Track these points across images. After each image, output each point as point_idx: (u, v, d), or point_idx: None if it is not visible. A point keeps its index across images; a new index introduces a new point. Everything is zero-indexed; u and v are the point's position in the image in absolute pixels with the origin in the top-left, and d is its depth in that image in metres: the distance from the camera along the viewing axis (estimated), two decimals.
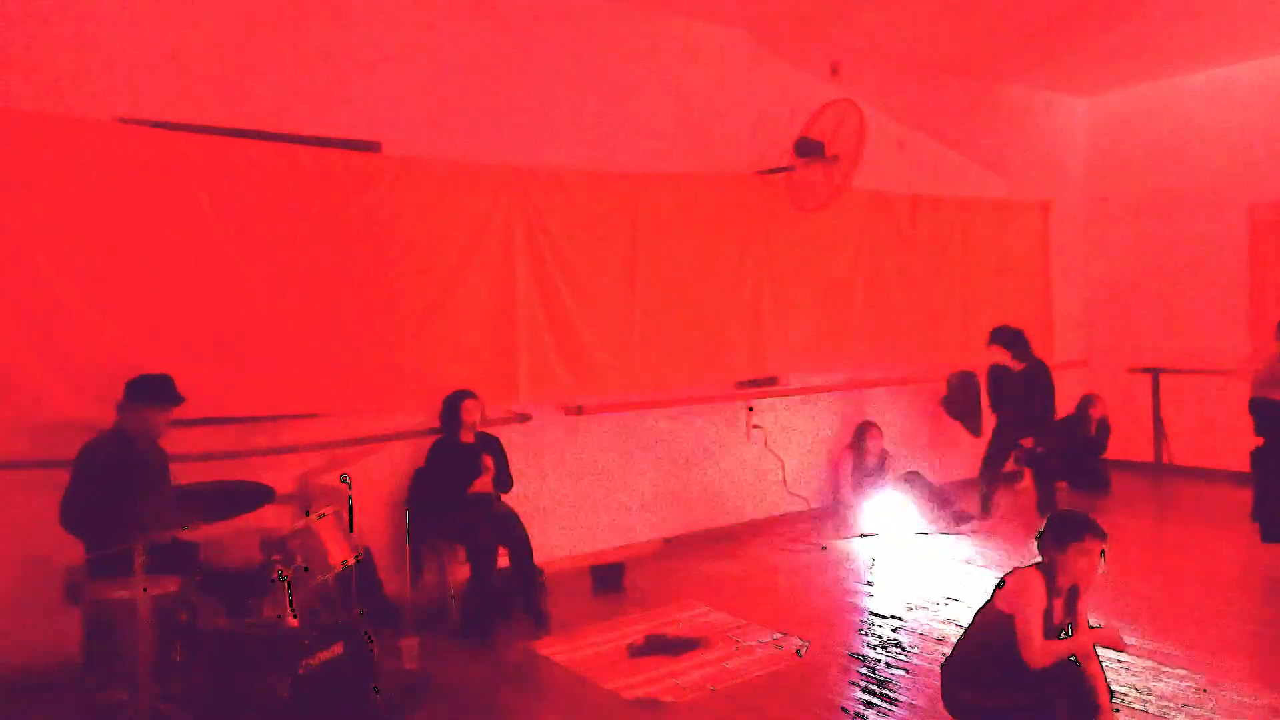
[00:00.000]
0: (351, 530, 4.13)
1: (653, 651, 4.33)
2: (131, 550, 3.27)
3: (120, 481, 3.70)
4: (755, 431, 6.71)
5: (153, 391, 3.89)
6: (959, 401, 7.68)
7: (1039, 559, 3.34)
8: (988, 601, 3.41)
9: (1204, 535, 6.36)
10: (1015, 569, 3.41)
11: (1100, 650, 3.38)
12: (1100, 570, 3.28)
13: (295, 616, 3.59)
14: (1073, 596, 3.31)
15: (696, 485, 6.47)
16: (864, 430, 7.00)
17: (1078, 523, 3.31)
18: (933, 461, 7.63)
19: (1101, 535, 3.27)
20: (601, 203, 5.81)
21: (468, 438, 5.09)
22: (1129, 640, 3.42)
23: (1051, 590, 3.25)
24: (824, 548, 6.25)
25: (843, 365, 7.17)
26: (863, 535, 6.51)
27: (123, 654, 3.46)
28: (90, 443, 3.82)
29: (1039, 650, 3.16)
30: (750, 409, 6.64)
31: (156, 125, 4.46)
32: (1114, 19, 6.69)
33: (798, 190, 6.48)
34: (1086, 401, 8.00)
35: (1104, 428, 8.00)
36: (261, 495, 4.14)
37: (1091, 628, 3.37)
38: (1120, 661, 4.00)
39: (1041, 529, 3.35)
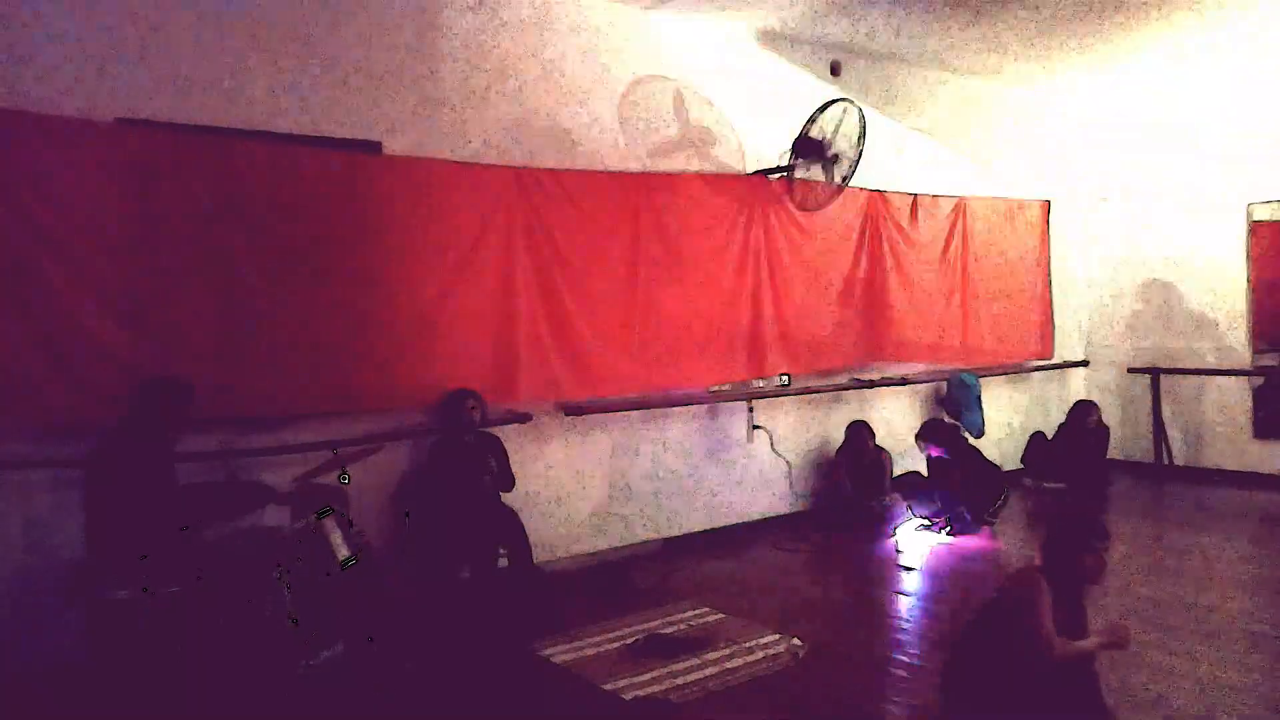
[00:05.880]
0: (352, 530, 4.14)
1: (653, 652, 4.32)
2: (132, 551, 3.27)
3: (133, 481, 3.70)
4: (756, 432, 6.70)
5: (172, 392, 3.88)
6: (959, 401, 7.67)
7: (1043, 559, 3.35)
8: (991, 601, 3.41)
9: (1204, 536, 6.35)
10: (1019, 569, 3.42)
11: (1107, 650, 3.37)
12: (1102, 571, 3.29)
13: (295, 616, 3.59)
14: (1075, 597, 3.31)
15: (697, 485, 6.46)
16: (855, 431, 6.99)
17: (1081, 524, 3.31)
18: None
19: (1104, 537, 3.28)
20: (601, 203, 5.81)
21: (468, 437, 5.09)
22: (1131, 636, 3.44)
23: (1055, 590, 3.25)
24: (809, 549, 6.24)
25: (843, 365, 7.17)
26: (863, 536, 6.50)
27: (124, 654, 3.47)
28: (101, 443, 3.81)
29: (1054, 647, 3.15)
30: (750, 409, 6.63)
31: (156, 125, 4.45)
32: (1114, 19, 6.68)
33: (798, 190, 6.48)
34: (1081, 409, 8.08)
35: (1101, 432, 8.04)
36: (261, 495, 4.15)
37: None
38: (1123, 662, 3.99)
39: (1049, 531, 3.36)
